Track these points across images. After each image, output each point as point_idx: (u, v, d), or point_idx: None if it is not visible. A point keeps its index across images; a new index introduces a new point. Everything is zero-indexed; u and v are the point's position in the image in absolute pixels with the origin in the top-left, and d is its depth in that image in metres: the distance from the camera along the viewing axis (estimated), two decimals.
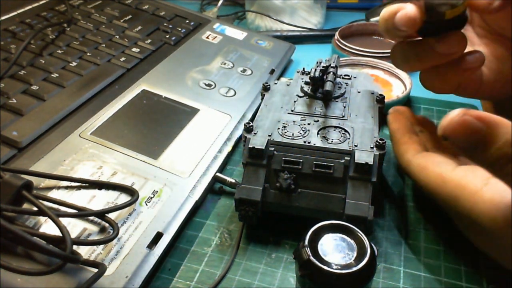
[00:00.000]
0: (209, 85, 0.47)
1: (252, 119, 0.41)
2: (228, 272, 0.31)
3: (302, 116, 0.35)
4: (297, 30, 0.65)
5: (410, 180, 0.39)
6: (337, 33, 0.60)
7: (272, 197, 0.32)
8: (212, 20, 0.61)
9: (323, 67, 0.38)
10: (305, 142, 0.32)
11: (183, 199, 0.34)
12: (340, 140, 0.32)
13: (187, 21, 0.59)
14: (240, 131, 0.43)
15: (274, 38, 0.60)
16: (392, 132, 0.35)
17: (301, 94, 0.38)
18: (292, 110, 0.36)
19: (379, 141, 0.32)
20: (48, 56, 0.46)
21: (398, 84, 0.51)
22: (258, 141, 0.32)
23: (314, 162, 0.31)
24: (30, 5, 0.54)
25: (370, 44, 0.60)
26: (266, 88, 0.40)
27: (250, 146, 0.32)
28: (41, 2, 0.55)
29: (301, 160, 0.31)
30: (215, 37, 0.57)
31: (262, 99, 0.39)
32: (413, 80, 0.51)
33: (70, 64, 0.45)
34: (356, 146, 0.32)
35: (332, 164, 0.31)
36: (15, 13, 0.52)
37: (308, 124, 0.34)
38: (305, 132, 0.33)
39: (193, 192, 0.35)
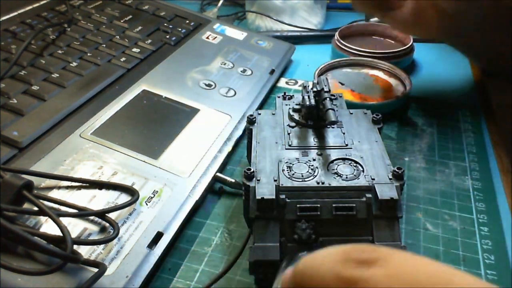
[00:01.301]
0: (209, 85, 0.47)
1: (248, 158, 0.37)
2: (227, 272, 0.31)
3: (303, 151, 0.31)
4: (297, 30, 0.65)
5: (409, 181, 0.39)
6: (337, 33, 0.60)
7: (291, 252, 0.27)
8: (212, 20, 0.61)
9: (314, 91, 0.34)
10: (318, 183, 0.28)
11: (183, 199, 0.34)
12: (354, 175, 0.29)
13: (187, 21, 0.59)
14: (240, 131, 0.43)
15: (274, 38, 0.60)
16: None
17: (292, 124, 0.34)
18: (289, 145, 0.32)
19: (396, 170, 0.29)
20: (49, 56, 0.46)
21: (398, 84, 0.51)
22: (265, 190, 0.28)
23: (334, 205, 0.27)
24: (30, 5, 0.54)
25: (370, 44, 0.60)
26: (251, 121, 0.35)
27: (259, 197, 0.27)
28: (42, 2, 0.55)
29: (319, 205, 0.27)
30: (215, 37, 0.57)
31: (249, 134, 0.35)
32: (413, 80, 0.51)
33: (71, 64, 0.45)
34: (373, 179, 0.28)
35: (354, 205, 0.27)
36: (15, 13, 0.52)
37: (313, 159, 0.30)
38: (314, 171, 0.29)
39: (193, 192, 0.35)
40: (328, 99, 0.33)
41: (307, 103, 0.33)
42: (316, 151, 0.31)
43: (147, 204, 0.33)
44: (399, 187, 0.28)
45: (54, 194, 0.32)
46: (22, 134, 0.36)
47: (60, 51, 0.47)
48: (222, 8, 0.70)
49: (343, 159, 0.30)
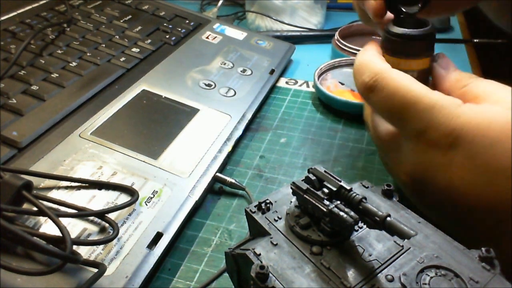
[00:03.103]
0: (209, 85, 0.47)
1: None
2: (225, 272, 0.31)
3: (366, 282, 0.22)
4: (297, 30, 0.65)
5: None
6: (337, 33, 0.60)
7: None
8: (212, 20, 0.61)
9: (326, 195, 0.24)
10: None
11: (183, 199, 0.34)
12: None
13: (187, 21, 0.59)
14: (240, 131, 0.43)
15: (274, 38, 0.60)
16: (366, 47, 0.33)
17: (315, 249, 0.24)
18: (351, 287, 0.22)
19: (483, 253, 0.23)
20: (48, 56, 0.46)
21: None
22: None
23: None
24: (30, 5, 0.54)
25: None
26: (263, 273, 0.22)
27: None
28: (41, 2, 0.55)
29: None
30: (215, 37, 0.57)
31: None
32: None
33: (70, 64, 0.45)
34: (476, 282, 0.22)
35: None
36: (15, 13, 0.52)
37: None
38: None
39: (193, 192, 0.35)
40: (362, 200, 0.23)
41: (348, 219, 0.22)
42: (385, 275, 0.23)
43: (146, 204, 0.33)
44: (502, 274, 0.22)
45: (53, 194, 0.32)
46: (22, 134, 0.36)
47: (59, 51, 0.47)
48: (222, 8, 0.70)
49: (421, 270, 0.23)
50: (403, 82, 0.29)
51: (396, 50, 0.32)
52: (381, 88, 0.30)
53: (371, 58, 0.31)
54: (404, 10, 0.32)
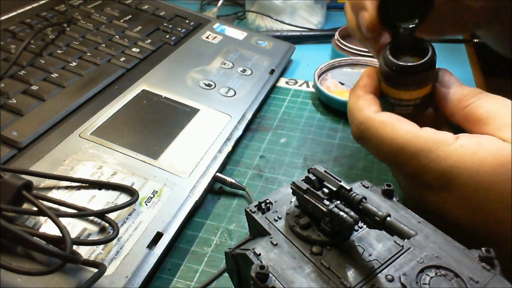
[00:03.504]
0: (209, 85, 0.47)
1: None
2: (224, 272, 0.31)
3: (366, 282, 0.22)
4: (297, 30, 0.65)
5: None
6: (337, 33, 0.60)
7: None
8: (212, 20, 0.61)
9: (326, 195, 0.24)
10: None
11: (183, 199, 0.34)
12: None
13: (187, 21, 0.59)
14: (240, 131, 0.43)
15: (274, 38, 0.60)
16: (358, 85, 0.32)
17: (315, 249, 0.24)
18: (350, 287, 0.22)
19: (483, 252, 0.23)
20: (48, 56, 0.46)
21: None
22: None
23: None
24: (30, 5, 0.54)
25: None
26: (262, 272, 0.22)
27: None
28: (41, 2, 0.55)
29: None
30: (215, 37, 0.57)
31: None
32: None
33: (70, 64, 0.45)
34: (477, 282, 0.22)
35: None
36: (15, 13, 0.52)
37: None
38: None
39: (193, 192, 0.35)
40: (362, 199, 0.23)
41: (348, 219, 0.22)
42: (385, 275, 0.23)
43: (146, 204, 0.33)
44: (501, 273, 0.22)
45: (53, 194, 0.32)
46: (22, 134, 0.36)
47: (59, 51, 0.47)
48: (222, 8, 0.70)
49: (421, 270, 0.23)
50: (388, 130, 0.28)
51: (396, 82, 0.31)
52: (368, 138, 0.30)
53: (356, 104, 0.31)
54: (399, 25, 0.31)
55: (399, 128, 0.28)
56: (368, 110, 0.30)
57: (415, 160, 0.28)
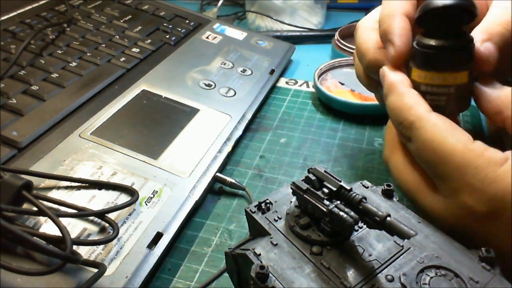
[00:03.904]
0: (209, 85, 0.47)
1: None
2: (224, 272, 0.31)
3: (366, 282, 0.22)
4: (297, 30, 0.65)
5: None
6: (337, 33, 0.60)
7: None
8: (212, 20, 0.61)
9: (326, 195, 0.24)
10: None
11: (183, 199, 0.34)
12: None
13: (187, 21, 0.59)
14: (240, 131, 0.43)
15: (274, 38, 0.60)
16: (396, 83, 0.29)
17: (315, 249, 0.24)
18: (350, 287, 0.22)
19: (483, 253, 0.23)
20: (48, 56, 0.46)
21: None
22: None
23: None
24: (30, 5, 0.54)
25: None
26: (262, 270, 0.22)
27: None
28: (41, 2, 0.55)
29: None
30: (215, 37, 0.57)
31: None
32: None
33: (70, 64, 0.45)
34: (476, 282, 0.22)
35: None
36: (15, 13, 0.52)
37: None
38: None
39: (193, 192, 0.35)
40: (362, 200, 0.23)
41: (348, 219, 0.22)
42: (385, 275, 0.23)
43: (146, 204, 0.33)
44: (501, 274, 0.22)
45: (53, 194, 0.32)
46: (22, 134, 0.36)
47: (59, 51, 0.47)
48: (222, 8, 0.70)
49: (421, 270, 0.23)
50: (438, 134, 0.26)
51: (429, 63, 0.28)
52: (415, 139, 0.27)
53: (402, 102, 0.28)
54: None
55: (451, 134, 0.25)
56: (419, 108, 0.27)
57: (460, 174, 0.25)
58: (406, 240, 0.23)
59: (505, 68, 0.30)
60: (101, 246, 0.29)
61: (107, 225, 0.30)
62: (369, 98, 0.48)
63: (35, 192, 0.31)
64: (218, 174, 0.38)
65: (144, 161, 0.36)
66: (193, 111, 0.43)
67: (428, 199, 0.27)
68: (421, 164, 0.28)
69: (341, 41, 0.58)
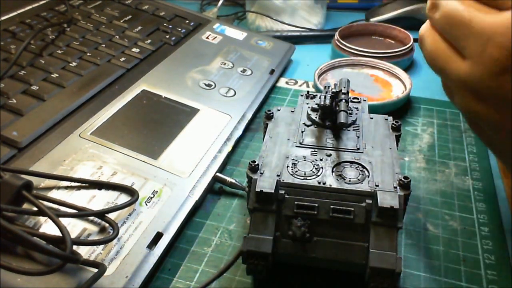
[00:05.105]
0: (209, 85, 0.47)
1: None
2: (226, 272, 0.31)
3: (312, 150, 0.31)
4: (297, 30, 0.65)
5: None
6: (337, 33, 0.60)
7: (284, 247, 0.28)
8: (212, 20, 0.61)
9: (332, 93, 0.33)
10: (319, 182, 0.28)
11: (183, 199, 0.34)
12: (358, 179, 0.28)
13: (187, 21, 0.59)
14: (240, 131, 0.43)
15: (274, 38, 0.60)
16: None
17: (308, 123, 0.34)
18: (300, 143, 0.32)
19: (403, 179, 0.28)
20: (48, 56, 0.46)
21: (398, 84, 0.51)
22: (266, 183, 0.28)
23: (332, 206, 0.27)
24: (30, 5, 0.54)
25: (370, 44, 0.60)
26: (269, 117, 0.35)
27: (258, 189, 0.27)
28: (41, 2, 0.55)
29: (317, 205, 0.27)
30: (215, 37, 0.57)
31: (265, 128, 0.35)
32: (413, 80, 0.51)
33: (70, 64, 0.45)
34: (377, 186, 0.28)
35: (352, 209, 0.27)
36: (15, 13, 0.52)
37: (320, 160, 0.30)
38: (318, 170, 0.29)
39: (193, 192, 0.35)
40: (344, 101, 0.32)
41: (322, 103, 0.32)
42: (326, 151, 0.31)
43: (146, 204, 0.33)
44: (403, 197, 0.27)
45: (53, 194, 0.32)
46: (22, 134, 0.36)
47: (59, 51, 0.47)
48: (222, 8, 0.70)
49: (351, 162, 0.30)
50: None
51: None
52: (441, 5, 0.28)
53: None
54: None
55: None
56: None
57: (485, 31, 0.25)
58: (366, 148, 0.31)
59: None
60: (101, 246, 0.29)
61: (107, 225, 0.30)
62: (369, 98, 0.48)
63: (35, 192, 0.31)
64: (218, 174, 0.38)
65: (144, 161, 0.36)
66: (193, 111, 0.43)
67: (456, 64, 0.28)
68: (448, 31, 0.28)
69: (341, 41, 0.58)
